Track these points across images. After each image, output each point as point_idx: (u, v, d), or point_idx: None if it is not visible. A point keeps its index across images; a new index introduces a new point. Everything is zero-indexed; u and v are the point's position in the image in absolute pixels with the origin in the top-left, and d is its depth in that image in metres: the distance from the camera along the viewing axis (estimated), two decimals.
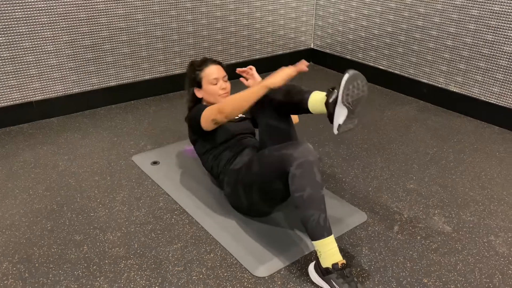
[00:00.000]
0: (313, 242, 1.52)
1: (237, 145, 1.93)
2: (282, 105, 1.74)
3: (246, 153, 1.89)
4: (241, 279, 1.57)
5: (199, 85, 2.00)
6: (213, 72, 1.96)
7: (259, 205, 1.79)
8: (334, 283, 1.46)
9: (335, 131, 1.57)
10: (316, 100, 1.63)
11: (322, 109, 1.61)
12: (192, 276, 1.58)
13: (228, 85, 2.01)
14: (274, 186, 1.64)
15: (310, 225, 1.51)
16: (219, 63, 2.02)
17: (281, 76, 1.66)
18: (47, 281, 1.55)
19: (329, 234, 1.50)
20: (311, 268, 1.57)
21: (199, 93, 2.01)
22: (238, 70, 2.02)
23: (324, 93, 1.61)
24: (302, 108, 1.68)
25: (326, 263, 1.49)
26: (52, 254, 1.67)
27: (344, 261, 1.49)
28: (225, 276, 1.58)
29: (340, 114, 1.54)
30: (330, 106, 1.56)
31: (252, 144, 1.96)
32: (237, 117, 2.03)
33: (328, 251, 1.49)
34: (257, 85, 1.66)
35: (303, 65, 1.69)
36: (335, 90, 1.56)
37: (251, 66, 2.04)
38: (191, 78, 2.02)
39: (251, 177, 1.70)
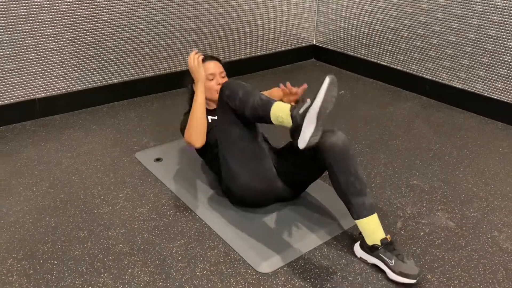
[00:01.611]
0: (270, 117, 1.57)
1: None
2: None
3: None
4: (245, 275, 1.57)
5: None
6: (209, 68, 1.99)
7: (245, 182, 1.75)
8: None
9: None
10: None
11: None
12: (196, 272, 1.58)
13: (224, 81, 2.00)
14: (234, 133, 1.70)
15: (258, 108, 1.59)
16: (217, 59, 2.05)
17: (196, 71, 1.90)
18: (51, 277, 1.55)
19: (274, 101, 1.58)
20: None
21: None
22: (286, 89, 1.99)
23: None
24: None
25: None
26: (56, 251, 1.68)
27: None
28: (229, 272, 1.58)
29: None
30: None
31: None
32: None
33: (282, 111, 1.54)
34: (197, 94, 1.88)
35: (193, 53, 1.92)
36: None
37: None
38: (190, 74, 2.03)
39: (222, 148, 1.77)
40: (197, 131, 1.82)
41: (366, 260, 1.62)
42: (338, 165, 1.62)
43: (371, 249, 1.58)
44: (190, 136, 1.83)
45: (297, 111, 1.47)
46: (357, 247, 1.66)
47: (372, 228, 1.58)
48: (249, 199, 1.84)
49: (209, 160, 1.98)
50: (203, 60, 2.01)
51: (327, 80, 1.43)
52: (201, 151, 2.00)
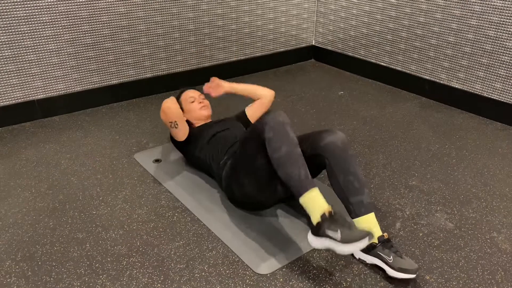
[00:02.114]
0: (300, 200, 1.52)
1: (223, 140, 1.98)
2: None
3: (236, 145, 1.92)
4: (243, 276, 1.57)
5: (182, 110, 2.20)
6: (189, 94, 2.21)
7: (251, 193, 1.77)
8: (329, 233, 1.43)
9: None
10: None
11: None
12: (195, 273, 1.58)
13: (206, 101, 2.21)
14: (257, 162, 1.66)
15: (293, 182, 1.52)
16: (194, 89, 2.27)
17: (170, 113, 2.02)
18: (50, 279, 1.55)
19: (313, 186, 1.52)
20: (309, 237, 1.52)
21: (184, 117, 2.18)
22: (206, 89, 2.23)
23: (322, 205, 1.50)
24: (345, 205, 1.64)
25: (316, 217, 1.48)
26: (54, 252, 1.68)
27: (331, 208, 1.49)
28: (227, 273, 1.58)
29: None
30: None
31: (239, 135, 2.01)
32: (209, 121, 2.22)
33: (315, 203, 1.49)
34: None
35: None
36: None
37: (213, 78, 2.22)
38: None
39: (238, 161, 1.74)
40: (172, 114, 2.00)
41: (365, 261, 1.62)
42: (337, 165, 1.62)
43: (368, 248, 1.58)
44: (166, 101, 2.01)
45: (324, 229, 1.44)
46: (310, 237, 1.58)
47: (370, 226, 1.58)
48: (249, 206, 1.87)
49: (206, 165, 2.04)
50: (182, 92, 2.24)
51: (363, 243, 1.41)
52: (196, 162, 2.11)
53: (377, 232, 1.59)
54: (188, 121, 2.21)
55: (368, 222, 1.59)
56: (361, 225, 1.60)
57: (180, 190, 2.05)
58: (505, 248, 1.72)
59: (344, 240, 1.40)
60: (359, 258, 1.63)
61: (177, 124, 2.02)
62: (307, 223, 1.57)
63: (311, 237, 1.50)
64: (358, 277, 1.57)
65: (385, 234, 1.59)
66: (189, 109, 2.18)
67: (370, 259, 1.60)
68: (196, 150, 2.06)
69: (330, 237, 1.43)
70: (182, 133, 2.05)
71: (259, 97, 2.27)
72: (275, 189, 1.78)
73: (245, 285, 1.53)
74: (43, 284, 1.53)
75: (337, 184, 1.63)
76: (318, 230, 1.46)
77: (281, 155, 1.54)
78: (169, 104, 2.01)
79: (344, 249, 1.41)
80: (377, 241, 1.57)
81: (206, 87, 2.22)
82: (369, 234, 1.41)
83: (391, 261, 1.53)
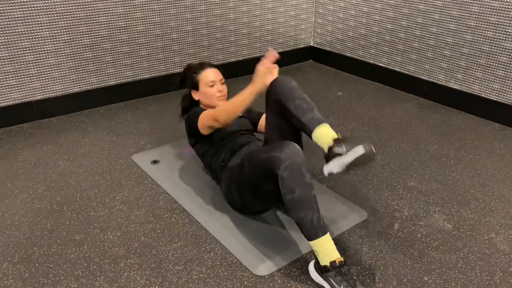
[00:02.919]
0: (310, 242, 1.51)
1: (234, 143, 1.94)
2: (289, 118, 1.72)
3: (244, 151, 1.89)
4: (241, 278, 1.57)
5: (196, 87, 2.04)
6: (210, 75, 2.01)
7: (252, 205, 1.80)
8: (332, 281, 1.45)
9: (326, 174, 1.54)
10: (323, 134, 1.58)
11: (324, 145, 1.57)
12: (192, 275, 1.58)
13: (224, 87, 2.04)
14: (265, 187, 1.64)
15: (304, 226, 1.50)
16: (216, 67, 2.06)
17: (261, 77, 1.74)
18: (47, 281, 1.55)
19: (324, 233, 1.50)
20: (310, 267, 1.56)
21: (196, 95, 2.07)
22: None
23: (333, 134, 1.57)
24: (303, 130, 1.67)
25: (324, 261, 1.49)
26: (52, 254, 1.67)
27: (342, 259, 1.49)
28: (225, 275, 1.58)
29: (336, 166, 1.51)
30: (331, 155, 1.52)
31: (250, 141, 1.97)
32: None
33: (325, 249, 1.49)
34: (247, 91, 1.74)
35: (271, 53, 1.76)
36: (344, 148, 1.49)
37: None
38: (188, 80, 2.07)
39: (243, 178, 1.71)
40: (231, 115, 1.75)
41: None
42: (285, 96, 1.67)
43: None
44: (220, 115, 1.75)
45: (331, 276, 1.46)
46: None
47: (327, 134, 1.58)
48: (249, 211, 1.87)
49: (207, 159, 1.99)
50: (202, 66, 2.03)
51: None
52: (200, 151, 2.03)
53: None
54: (197, 101, 2.09)
55: (324, 132, 1.59)
56: (319, 138, 1.59)
57: (178, 192, 2.04)
58: (503, 249, 1.72)
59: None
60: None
61: (213, 129, 1.89)
62: (313, 258, 1.56)
63: (312, 270, 1.55)
64: (356, 278, 1.56)
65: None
66: (205, 92, 2.00)
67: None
68: (209, 145, 1.96)
69: (332, 285, 1.45)
70: (209, 132, 1.91)
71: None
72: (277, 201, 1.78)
73: (243, 286, 1.53)
74: (41, 286, 1.52)
75: (289, 113, 1.67)
76: (323, 272, 1.50)
77: (294, 197, 1.50)
78: (231, 120, 1.78)
79: None
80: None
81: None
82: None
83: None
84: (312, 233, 1.49)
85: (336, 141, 1.54)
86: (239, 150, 1.90)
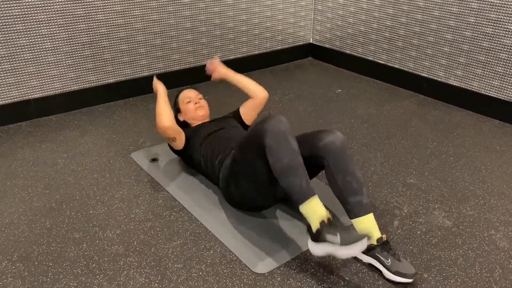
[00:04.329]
0: (300, 208, 1.52)
1: (218, 140, 1.97)
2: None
3: (232, 145, 1.91)
4: (241, 275, 1.56)
5: (179, 110, 2.24)
6: (185, 95, 2.22)
7: (250, 196, 1.78)
8: (328, 237, 1.43)
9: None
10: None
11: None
12: (192, 273, 1.57)
13: (203, 102, 2.22)
14: (257, 166, 1.65)
15: (293, 191, 1.52)
16: (195, 88, 2.29)
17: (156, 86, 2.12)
18: (46, 279, 1.54)
19: (313, 195, 1.51)
20: (309, 244, 1.52)
21: (181, 117, 2.25)
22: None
23: (322, 212, 1.49)
24: (343, 205, 1.64)
25: (315, 224, 1.48)
26: (51, 252, 1.67)
27: (329, 215, 1.50)
28: (225, 272, 1.58)
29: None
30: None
31: (235, 134, 2.01)
32: (206, 120, 2.21)
33: (315, 211, 1.49)
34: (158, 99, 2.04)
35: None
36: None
37: (215, 57, 2.28)
38: (173, 107, 2.25)
39: (237, 164, 1.73)
40: (160, 114, 1.96)
41: (361, 260, 1.61)
42: (335, 165, 1.62)
43: (367, 249, 1.57)
44: (162, 120, 1.95)
45: (324, 234, 1.45)
46: (309, 244, 1.58)
47: (368, 227, 1.58)
48: (247, 207, 1.87)
49: (202, 167, 2.02)
50: (180, 92, 2.27)
51: (362, 244, 1.41)
52: (192, 162, 2.09)
53: (376, 233, 1.58)
54: (185, 122, 2.23)
55: (367, 223, 1.58)
56: (360, 226, 1.59)
57: (177, 189, 2.04)
58: (503, 246, 1.72)
59: (344, 243, 1.40)
60: (355, 257, 1.63)
61: (175, 139, 2.02)
62: (306, 230, 1.56)
63: (311, 244, 1.50)
64: (356, 276, 1.57)
65: (384, 235, 1.58)
66: (185, 110, 2.20)
67: (366, 259, 1.59)
68: (194, 153, 2.04)
69: (330, 242, 1.43)
70: (180, 143, 2.05)
71: (252, 94, 2.22)
72: (274, 192, 1.77)
73: (243, 284, 1.53)
74: (40, 285, 1.52)
75: (336, 184, 1.63)
76: (317, 237, 1.46)
77: (282, 165, 1.53)
78: (165, 123, 1.93)
79: (344, 252, 1.41)
80: (375, 243, 1.56)
81: (209, 63, 2.25)
82: (367, 235, 1.41)
83: (388, 264, 1.52)
84: (301, 197, 1.51)
85: (379, 241, 1.56)
86: (227, 146, 1.92)
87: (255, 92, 2.22)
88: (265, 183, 1.71)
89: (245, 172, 1.70)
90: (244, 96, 2.30)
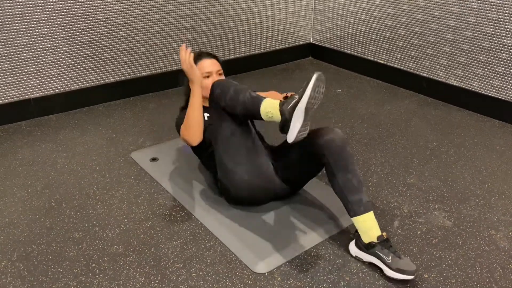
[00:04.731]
0: (260, 111, 1.60)
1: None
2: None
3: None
4: (241, 275, 1.56)
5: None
6: (206, 66, 1.94)
7: (237, 177, 1.73)
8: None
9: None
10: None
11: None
12: (192, 272, 1.57)
13: (222, 79, 1.98)
14: (226, 131, 1.70)
15: (248, 102, 1.63)
16: (214, 56, 2.01)
17: (189, 73, 1.79)
18: (46, 279, 1.54)
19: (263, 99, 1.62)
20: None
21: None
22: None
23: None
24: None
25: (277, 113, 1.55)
26: (51, 252, 1.66)
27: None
28: (225, 272, 1.57)
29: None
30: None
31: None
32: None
33: (274, 110, 1.56)
34: (191, 95, 1.79)
35: (182, 49, 1.79)
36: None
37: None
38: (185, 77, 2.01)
39: (216, 146, 1.76)
40: (193, 129, 1.76)
41: (362, 259, 1.61)
42: (336, 163, 1.62)
43: (367, 247, 1.58)
44: (188, 134, 1.76)
45: (286, 107, 1.52)
46: (352, 246, 1.65)
47: (368, 225, 1.58)
48: (245, 196, 1.82)
49: (205, 160, 1.96)
50: (200, 57, 1.97)
51: (314, 77, 1.48)
52: (197, 150, 1.98)
53: (376, 231, 1.58)
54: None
55: (368, 220, 1.59)
56: (360, 224, 1.59)
57: (177, 189, 2.04)
58: (503, 246, 1.72)
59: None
60: (356, 256, 1.63)
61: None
62: (279, 126, 1.57)
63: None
64: (356, 276, 1.56)
65: (384, 233, 1.59)
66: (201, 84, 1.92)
67: (367, 257, 1.60)
68: (205, 148, 1.93)
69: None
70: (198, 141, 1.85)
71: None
72: (267, 166, 1.77)
73: (243, 284, 1.53)
74: (39, 284, 1.52)
75: (336, 182, 1.63)
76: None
77: (231, 94, 1.65)
78: (194, 141, 1.76)
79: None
80: (376, 241, 1.56)
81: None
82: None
83: (389, 261, 1.52)
84: (256, 105, 1.60)
85: (379, 239, 1.58)
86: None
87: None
88: (246, 152, 1.73)
89: (224, 145, 1.73)
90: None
